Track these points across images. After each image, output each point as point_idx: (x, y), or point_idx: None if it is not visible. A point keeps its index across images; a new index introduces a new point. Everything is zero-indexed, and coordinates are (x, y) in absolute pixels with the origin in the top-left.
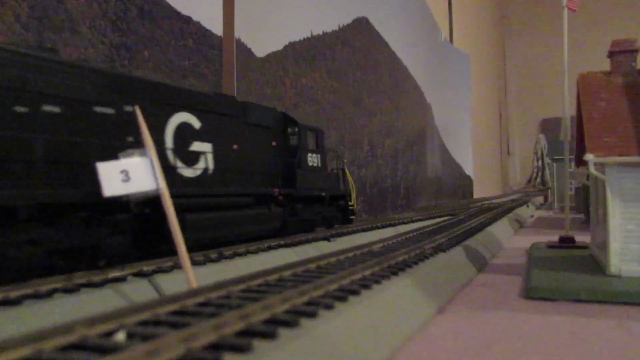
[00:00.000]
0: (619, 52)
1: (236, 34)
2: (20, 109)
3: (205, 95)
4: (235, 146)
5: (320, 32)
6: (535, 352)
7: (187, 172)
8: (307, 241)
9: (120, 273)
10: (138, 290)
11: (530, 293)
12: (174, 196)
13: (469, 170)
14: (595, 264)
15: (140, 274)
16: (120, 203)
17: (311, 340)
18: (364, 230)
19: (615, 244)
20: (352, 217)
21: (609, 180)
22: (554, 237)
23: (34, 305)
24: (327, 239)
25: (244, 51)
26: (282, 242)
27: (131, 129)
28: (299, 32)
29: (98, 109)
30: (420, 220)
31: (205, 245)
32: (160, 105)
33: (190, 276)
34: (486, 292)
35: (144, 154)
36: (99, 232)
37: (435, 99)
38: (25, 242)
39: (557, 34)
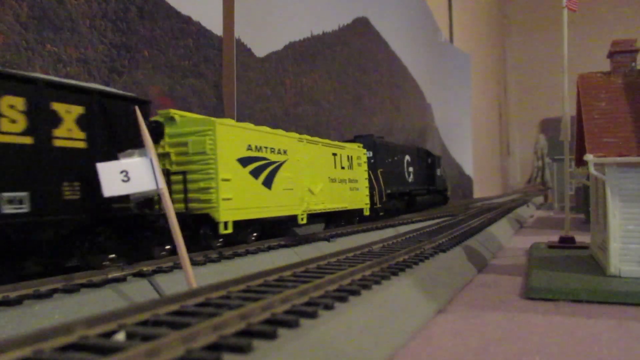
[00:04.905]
0: (619, 52)
1: (236, 34)
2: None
3: (408, 145)
4: (417, 167)
5: (320, 32)
6: (535, 353)
7: (409, 179)
8: (307, 241)
9: (120, 273)
10: (138, 290)
11: (531, 293)
12: (410, 191)
13: (469, 170)
14: (595, 264)
15: (140, 274)
16: (407, 192)
17: (311, 341)
18: (364, 231)
19: (615, 244)
20: (447, 199)
21: (609, 180)
22: (554, 237)
23: (34, 305)
24: (327, 239)
25: (244, 51)
26: (282, 242)
27: (406, 165)
28: (299, 32)
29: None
30: (420, 220)
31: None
32: (400, 153)
33: (190, 276)
34: (486, 293)
35: (144, 154)
36: (400, 203)
37: (435, 99)
38: (392, 204)
39: (557, 34)
